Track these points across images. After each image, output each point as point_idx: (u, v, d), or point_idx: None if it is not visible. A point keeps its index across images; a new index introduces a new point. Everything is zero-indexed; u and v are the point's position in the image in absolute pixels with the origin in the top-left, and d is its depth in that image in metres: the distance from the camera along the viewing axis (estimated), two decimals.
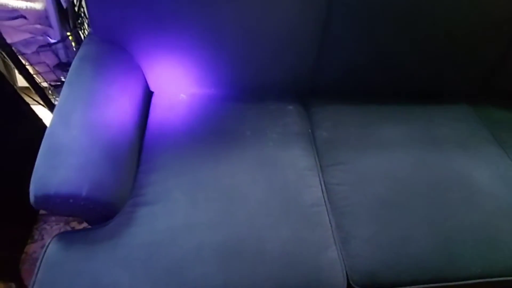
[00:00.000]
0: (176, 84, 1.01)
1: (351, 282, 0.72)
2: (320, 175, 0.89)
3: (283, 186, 0.82)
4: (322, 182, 0.87)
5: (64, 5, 0.96)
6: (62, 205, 0.63)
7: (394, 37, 0.96)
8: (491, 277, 0.75)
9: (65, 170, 0.63)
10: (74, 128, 0.69)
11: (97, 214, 0.71)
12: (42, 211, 1.16)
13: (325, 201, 0.83)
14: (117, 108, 0.80)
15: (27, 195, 0.62)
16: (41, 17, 0.93)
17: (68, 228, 1.15)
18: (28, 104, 1.06)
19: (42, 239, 1.11)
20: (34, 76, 1.05)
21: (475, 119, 1.08)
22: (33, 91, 1.08)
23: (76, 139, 0.67)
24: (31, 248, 1.08)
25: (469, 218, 0.81)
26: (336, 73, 1.04)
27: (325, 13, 0.90)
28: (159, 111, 0.97)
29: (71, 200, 0.63)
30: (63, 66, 1.06)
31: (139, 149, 0.88)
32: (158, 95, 1.02)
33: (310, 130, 1.00)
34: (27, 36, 0.96)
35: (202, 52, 0.93)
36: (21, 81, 1.18)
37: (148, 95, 1.01)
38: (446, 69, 1.05)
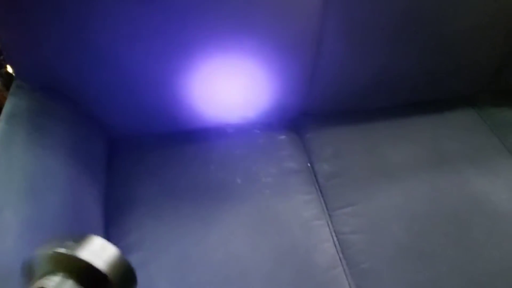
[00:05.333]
0: (139, 126, 0.82)
1: None
2: (330, 224, 0.76)
3: (290, 248, 0.69)
4: (333, 233, 0.75)
5: None
6: None
7: (387, 45, 0.82)
8: None
9: None
10: (8, 238, 0.49)
11: None
12: None
13: (340, 260, 0.71)
14: (67, 188, 0.60)
15: None
16: None
17: None
18: None
19: None
20: None
21: (480, 123, 1.00)
22: None
23: (13, 258, 0.48)
24: None
25: (497, 253, 0.73)
26: (328, 90, 0.90)
27: (318, 27, 0.74)
28: (123, 168, 0.78)
29: None
30: None
31: (106, 224, 0.69)
32: (120, 144, 0.82)
33: (309, 164, 0.86)
34: None
35: (163, 87, 0.74)
36: None
37: (107, 145, 0.81)
38: (446, 71, 0.95)
